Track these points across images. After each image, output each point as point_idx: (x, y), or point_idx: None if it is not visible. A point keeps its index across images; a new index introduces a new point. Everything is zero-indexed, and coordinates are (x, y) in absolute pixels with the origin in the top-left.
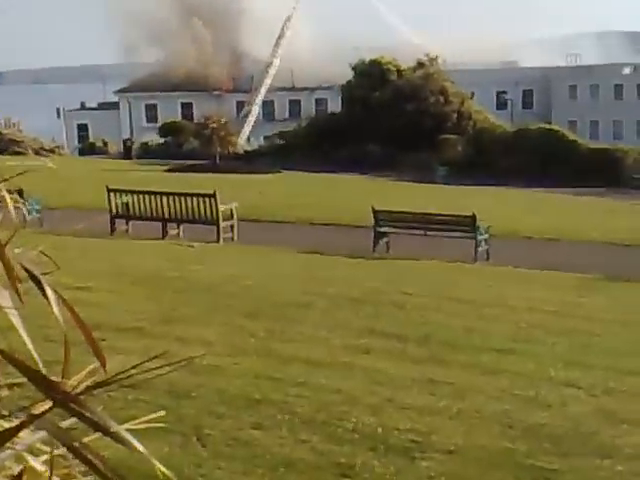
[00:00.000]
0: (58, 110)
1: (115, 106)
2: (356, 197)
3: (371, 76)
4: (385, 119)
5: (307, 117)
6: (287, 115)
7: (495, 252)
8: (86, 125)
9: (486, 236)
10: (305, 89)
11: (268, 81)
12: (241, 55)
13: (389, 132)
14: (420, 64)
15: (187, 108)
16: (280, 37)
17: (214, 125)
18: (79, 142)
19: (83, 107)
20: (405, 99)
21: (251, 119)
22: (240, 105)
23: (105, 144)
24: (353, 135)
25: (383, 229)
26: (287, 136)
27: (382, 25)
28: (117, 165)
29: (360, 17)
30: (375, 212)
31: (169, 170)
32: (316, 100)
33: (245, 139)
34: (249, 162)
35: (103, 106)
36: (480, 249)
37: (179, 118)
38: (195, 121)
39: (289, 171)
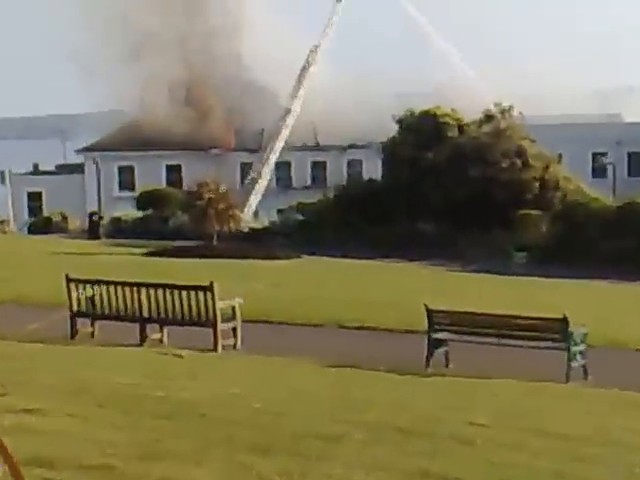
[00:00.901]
0: (2, 174)
1: (78, 169)
2: (402, 291)
3: (422, 132)
4: (441, 188)
5: (336, 185)
6: (309, 182)
7: (595, 368)
8: (40, 194)
9: (582, 347)
10: (333, 148)
11: (284, 135)
12: (247, 100)
13: (447, 205)
14: (488, 116)
15: (174, 172)
16: (301, 76)
17: (210, 195)
18: (30, 216)
19: (36, 170)
20: (468, 162)
21: (260, 187)
22: (245, 168)
23: (65, 219)
24: (398, 209)
25: (440, 335)
26: (309, 210)
27: (433, 63)
28: (80, 247)
29: (403, 50)
30: (429, 312)
31: (150, 254)
32: (348, 162)
33: (252, 213)
34: (258, 244)
35: (62, 169)
36: (574, 364)
37: (163, 185)
38: (185, 189)
39: (312, 256)
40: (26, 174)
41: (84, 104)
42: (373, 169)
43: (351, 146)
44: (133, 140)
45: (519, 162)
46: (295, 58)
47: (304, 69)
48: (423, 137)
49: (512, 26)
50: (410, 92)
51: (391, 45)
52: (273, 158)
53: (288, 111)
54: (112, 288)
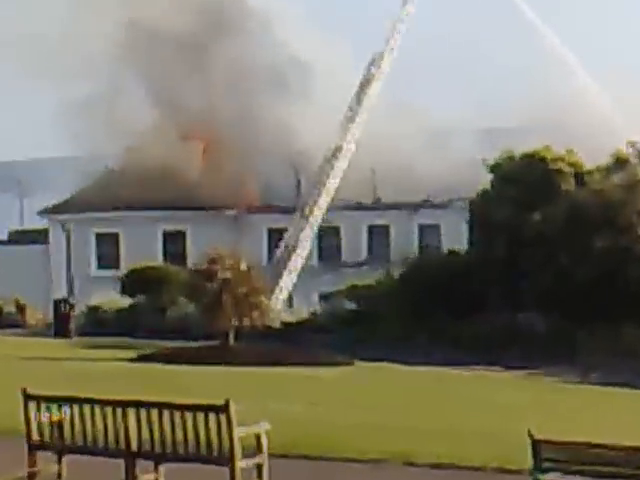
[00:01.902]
0: None
1: (40, 237)
2: (496, 412)
3: (526, 183)
4: (553, 264)
5: (403, 259)
6: (365, 255)
7: None
8: None
9: None
10: (399, 207)
11: (331, 188)
12: (277, 142)
13: (561, 289)
14: (620, 160)
15: (175, 241)
16: (360, 95)
17: (226, 274)
18: None
19: None
20: (592, 227)
21: (296, 263)
22: (275, 236)
23: (20, 309)
24: (492, 294)
25: (551, 476)
26: (365, 295)
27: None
28: (44, 349)
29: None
30: (535, 443)
31: (141, 359)
32: (420, 227)
33: (284, 300)
34: (292, 344)
35: (18, 237)
36: None
37: (159, 260)
38: (190, 266)
39: (369, 362)
40: None
41: (49, 145)
42: (456, 237)
43: (424, 204)
44: (117, 197)
45: None
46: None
47: (363, 85)
48: (527, 191)
49: None
50: (503, 127)
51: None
52: (314, 221)
53: (338, 150)
54: (88, 408)
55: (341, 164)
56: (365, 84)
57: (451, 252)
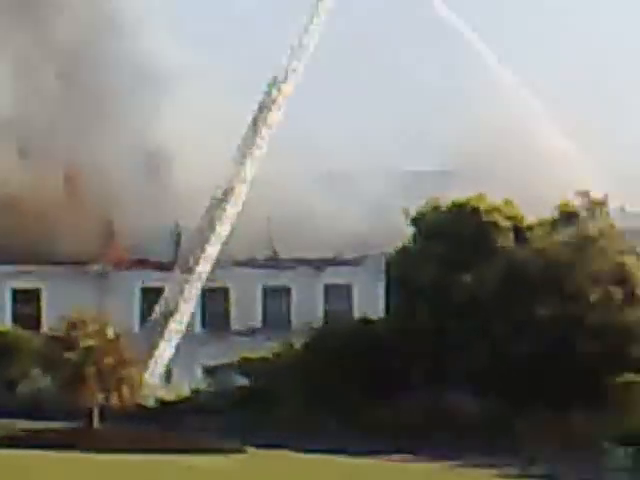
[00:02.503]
0: None
1: None
2: None
3: (455, 238)
4: (487, 337)
5: (307, 327)
6: (259, 321)
7: None
8: None
9: None
10: (300, 264)
11: (219, 238)
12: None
13: (496, 366)
14: (567, 214)
15: (27, 301)
16: (257, 121)
17: (90, 342)
18: None
19: None
20: (533, 292)
21: (176, 329)
22: (150, 296)
23: None
24: (413, 369)
25: None
26: (259, 369)
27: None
28: None
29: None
30: None
31: None
32: (326, 289)
33: (160, 374)
34: (170, 427)
35: None
36: None
37: (8, 323)
38: (45, 330)
39: (266, 449)
40: None
41: None
42: (370, 301)
43: (331, 261)
44: None
45: (619, 292)
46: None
47: (261, 112)
48: (457, 248)
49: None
50: (426, 170)
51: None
52: (198, 279)
53: (228, 191)
54: None
55: (232, 209)
56: (263, 111)
57: (365, 319)
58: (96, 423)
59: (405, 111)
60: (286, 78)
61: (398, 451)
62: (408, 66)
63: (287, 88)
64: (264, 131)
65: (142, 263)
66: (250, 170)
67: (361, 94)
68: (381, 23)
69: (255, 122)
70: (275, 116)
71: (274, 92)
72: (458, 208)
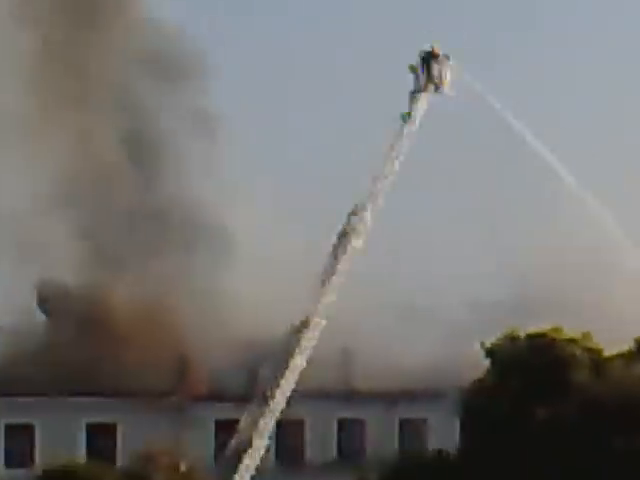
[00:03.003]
0: None
1: None
2: None
3: (530, 371)
4: (567, 469)
5: (382, 461)
6: (334, 454)
7: None
8: None
9: None
10: (376, 397)
11: (296, 370)
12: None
13: None
14: None
15: (101, 435)
16: (337, 250)
17: (163, 477)
18: None
19: None
20: (610, 427)
21: (250, 464)
22: (224, 429)
23: None
24: None
25: None
26: None
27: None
28: None
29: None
30: None
31: None
32: (400, 423)
33: None
34: None
35: None
36: None
37: (83, 456)
38: (120, 465)
39: None
40: None
41: None
42: (445, 435)
43: (407, 395)
44: (30, 377)
45: None
46: None
47: (342, 236)
48: (532, 381)
49: None
50: (505, 299)
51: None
52: (274, 411)
53: (303, 325)
54: None
55: (308, 340)
56: (343, 239)
57: (439, 453)
58: None
59: (486, 240)
60: (366, 206)
61: None
62: (490, 193)
63: (368, 216)
64: (344, 260)
65: (217, 396)
66: (328, 300)
67: (443, 223)
68: (463, 151)
69: (335, 251)
70: (356, 245)
71: (354, 220)
72: (534, 340)
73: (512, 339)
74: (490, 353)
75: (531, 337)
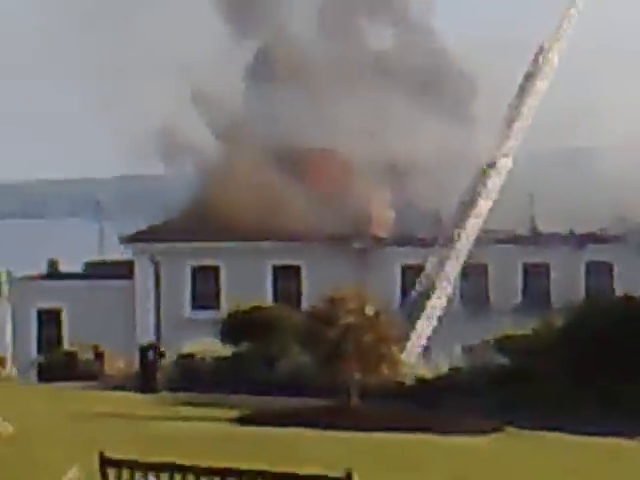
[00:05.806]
0: None
1: (123, 271)
2: None
3: None
4: None
5: (567, 305)
6: (519, 299)
7: None
8: (57, 313)
9: None
10: (561, 239)
11: (479, 217)
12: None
13: None
14: None
15: (287, 278)
16: (523, 94)
17: (349, 319)
18: (41, 351)
19: (53, 272)
20: None
21: (435, 307)
22: (410, 274)
23: (99, 356)
24: None
25: None
26: (519, 348)
27: None
28: (126, 405)
29: None
30: None
31: (244, 420)
32: (587, 266)
33: (420, 352)
34: (429, 406)
35: (96, 270)
36: None
37: (269, 299)
38: (305, 308)
39: (524, 430)
40: (36, 278)
41: (135, 161)
42: (633, 279)
43: (592, 238)
44: (217, 224)
45: None
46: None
47: (528, 77)
48: None
49: None
50: None
51: None
52: (460, 255)
53: (490, 167)
54: (179, 478)
55: (494, 184)
56: (529, 80)
57: (627, 297)
58: (354, 401)
59: None
60: (552, 48)
61: None
62: None
63: (554, 58)
64: (530, 101)
65: (404, 240)
66: (513, 142)
67: None
68: None
69: (521, 91)
70: (541, 86)
71: (541, 60)
72: None
73: None
74: None
75: None
